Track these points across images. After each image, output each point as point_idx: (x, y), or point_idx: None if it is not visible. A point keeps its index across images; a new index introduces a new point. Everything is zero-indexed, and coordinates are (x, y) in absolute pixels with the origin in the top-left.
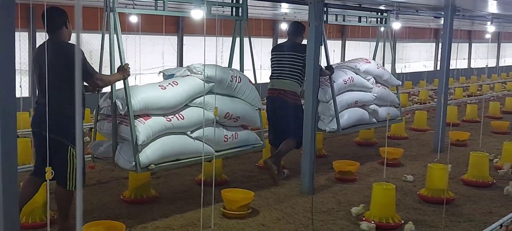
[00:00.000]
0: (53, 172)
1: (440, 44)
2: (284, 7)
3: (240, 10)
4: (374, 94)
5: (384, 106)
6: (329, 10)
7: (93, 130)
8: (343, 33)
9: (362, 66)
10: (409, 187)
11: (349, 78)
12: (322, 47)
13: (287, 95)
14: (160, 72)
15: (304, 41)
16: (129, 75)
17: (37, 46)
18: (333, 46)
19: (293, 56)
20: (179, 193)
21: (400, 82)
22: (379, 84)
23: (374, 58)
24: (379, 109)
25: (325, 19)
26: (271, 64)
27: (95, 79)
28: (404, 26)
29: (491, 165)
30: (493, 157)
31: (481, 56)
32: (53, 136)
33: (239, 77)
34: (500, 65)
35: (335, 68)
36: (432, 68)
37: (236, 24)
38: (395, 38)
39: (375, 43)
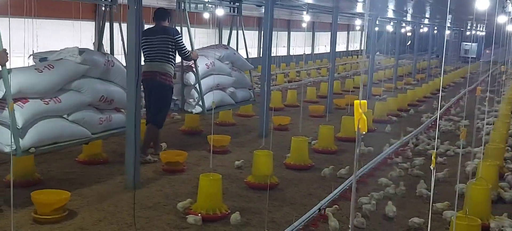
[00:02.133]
0: None
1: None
2: None
3: None
4: (232, 78)
5: (240, 88)
6: None
7: None
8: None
9: (221, 52)
10: (236, 174)
11: (210, 63)
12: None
13: (161, 77)
14: (30, 55)
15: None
16: (7, 61)
17: None
18: None
19: (164, 39)
20: None
21: (253, 66)
22: (235, 69)
23: (228, 44)
24: (237, 91)
25: (183, 8)
26: (143, 49)
27: None
28: (230, 14)
29: (309, 148)
30: (311, 139)
31: (299, 44)
32: None
33: (112, 61)
34: (315, 52)
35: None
36: (255, 55)
37: (106, 9)
38: (220, 25)
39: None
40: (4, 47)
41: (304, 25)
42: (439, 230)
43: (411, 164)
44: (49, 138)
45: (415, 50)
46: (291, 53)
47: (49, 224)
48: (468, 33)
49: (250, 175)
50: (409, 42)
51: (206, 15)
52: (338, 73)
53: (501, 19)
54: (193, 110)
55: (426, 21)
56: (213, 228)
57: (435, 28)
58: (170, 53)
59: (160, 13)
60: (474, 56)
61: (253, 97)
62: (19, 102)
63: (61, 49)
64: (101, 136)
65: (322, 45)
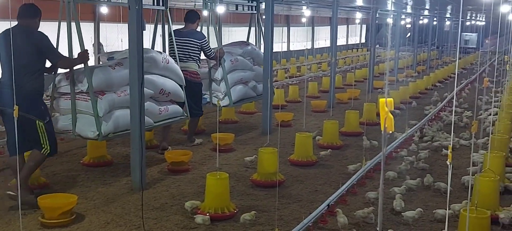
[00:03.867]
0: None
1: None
2: None
3: (161, 0)
4: (254, 72)
5: (261, 82)
6: None
7: (50, 107)
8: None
9: (244, 48)
10: (242, 172)
11: (234, 59)
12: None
13: (191, 75)
14: (99, 55)
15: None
16: (88, 59)
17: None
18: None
19: (190, 42)
20: None
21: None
22: (256, 64)
23: (248, 40)
24: (258, 85)
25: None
26: (171, 48)
27: (62, 61)
28: (228, 11)
29: (314, 144)
30: (315, 134)
31: (298, 39)
32: (20, 113)
33: (167, 59)
34: (314, 47)
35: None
36: None
37: (157, 13)
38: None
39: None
40: (86, 48)
41: (303, 20)
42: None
43: (416, 157)
44: (122, 125)
45: (415, 43)
46: (291, 49)
47: (57, 228)
48: (467, 23)
49: (255, 173)
50: (409, 34)
51: (205, 13)
52: (339, 68)
53: (504, 8)
54: (221, 103)
55: (426, 12)
56: (222, 227)
57: (435, 19)
58: (196, 54)
59: (189, 16)
60: (474, 46)
61: (272, 91)
62: (98, 95)
63: (126, 49)
64: (160, 124)
65: (322, 39)
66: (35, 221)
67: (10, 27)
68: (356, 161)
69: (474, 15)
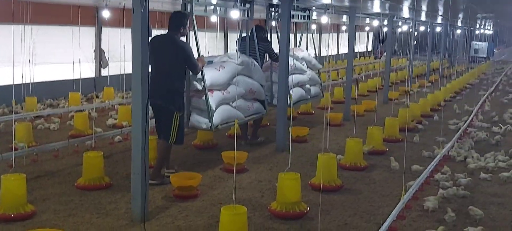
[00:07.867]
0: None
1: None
2: None
3: (247, 12)
4: (308, 76)
5: (313, 85)
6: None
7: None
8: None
9: (300, 53)
10: (257, 199)
11: (292, 64)
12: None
13: None
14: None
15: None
16: (204, 63)
17: (152, 38)
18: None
19: (259, 45)
20: None
21: (322, 66)
22: (309, 68)
23: (299, 46)
24: (311, 88)
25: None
26: (241, 50)
27: (197, 68)
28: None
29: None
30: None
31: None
32: (164, 104)
33: (254, 63)
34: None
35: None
36: None
37: (242, 23)
38: (226, 29)
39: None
40: (202, 54)
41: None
42: None
43: (455, 183)
44: (224, 118)
45: (429, 51)
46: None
47: None
48: (477, 32)
49: (274, 201)
50: (415, 42)
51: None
52: (341, 78)
53: None
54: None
55: (439, 20)
56: None
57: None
58: (261, 57)
59: (258, 29)
60: (485, 55)
61: (321, 93)
62: (210, 92)
63: (223, 54)
64: (249, 118)
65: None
66: None
67: (161, 34)
68: (385, 185)
69: (483, 23)
